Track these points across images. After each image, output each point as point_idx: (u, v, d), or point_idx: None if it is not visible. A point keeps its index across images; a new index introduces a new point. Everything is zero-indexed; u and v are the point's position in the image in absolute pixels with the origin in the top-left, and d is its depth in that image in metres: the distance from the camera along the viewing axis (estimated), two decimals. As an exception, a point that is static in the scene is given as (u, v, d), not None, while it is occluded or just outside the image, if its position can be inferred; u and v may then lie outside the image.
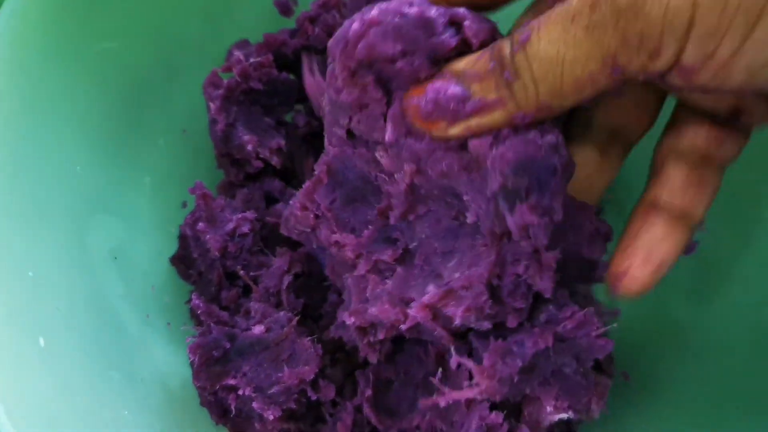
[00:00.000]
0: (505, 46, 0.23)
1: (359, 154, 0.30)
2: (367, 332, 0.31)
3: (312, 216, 0.32)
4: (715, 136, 0.26)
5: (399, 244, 0.31)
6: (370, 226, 0.31)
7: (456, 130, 0.25)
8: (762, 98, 0.25)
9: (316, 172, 0.32)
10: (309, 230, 0.33)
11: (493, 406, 0.30)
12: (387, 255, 0.31)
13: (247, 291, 0.39)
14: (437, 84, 0.25)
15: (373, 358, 0.33)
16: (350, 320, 0.31)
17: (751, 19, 0.18)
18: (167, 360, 0.37)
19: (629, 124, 0.29)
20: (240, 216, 0.38)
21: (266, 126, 0.41)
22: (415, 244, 0.31)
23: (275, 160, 0.40)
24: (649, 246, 0.27)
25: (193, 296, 0.37)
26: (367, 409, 0.34)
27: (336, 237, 0.32)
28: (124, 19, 0.39)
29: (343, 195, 0.32)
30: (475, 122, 0.24)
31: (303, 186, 0.32)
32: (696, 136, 0.26)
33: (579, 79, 0.22)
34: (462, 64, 0.25)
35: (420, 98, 0.25)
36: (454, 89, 0.24)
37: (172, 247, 0.40)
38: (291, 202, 0.34)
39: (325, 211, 0.32)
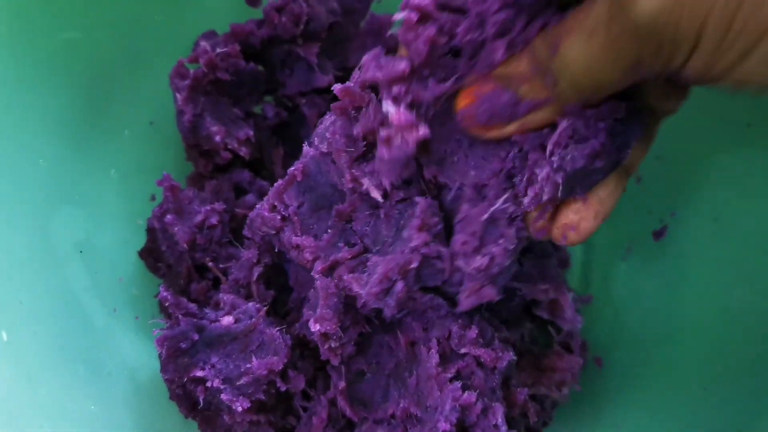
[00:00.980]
0: (540, 50, 0.25)
1: (334, 167, 0.31)
2: (329, 338, 0.32)
3: (279, 218, 0.33)
4: (659, 93, 0.28)
5: (357, 247, 0.32)
6: (330, 230, 0.32)
7: (512, 128, 0.28)
8: None
9: (291, 170, 0.32)
10: (273, 232, 0.33)
11: (465, 387, 0.30)
12: (343, 255, 0.31)
13: (216, 283, 0.38)
14: (486, 92, 0.27)
15: (335, 362, 0.33)
16: (315, 327, 0.31)
17: (749, 44, 0.21)
18: (135, 354, 0.37)
19: (661, 105, 0.30)
20: (209, 208, 0.38)
21: (234, 117, 0.40)
22: (378, 247, 0.31)
23: (244, 151, 0.40)
24: (599, 201, 0.29)
25: (161, 288, 0.36)
26: (341, 402, 0.33)
27: (298, 240, 0.32)
28: (88, 9, 0.38)
29: (311, 200, 0.32)
30: (530, 119, 0.27)
31: (274, 185, 0.33)
32: (643, 92, 0.28)
33: (610, 81, 0.24)
34: (504, 69, 0.27)
35: (472, 107, 0.28)
36: (505, 95, 0.27)
37: (140, 239, 0.39)
38: (258, 205, 0.34)
39: (292, 214, 0.32)
